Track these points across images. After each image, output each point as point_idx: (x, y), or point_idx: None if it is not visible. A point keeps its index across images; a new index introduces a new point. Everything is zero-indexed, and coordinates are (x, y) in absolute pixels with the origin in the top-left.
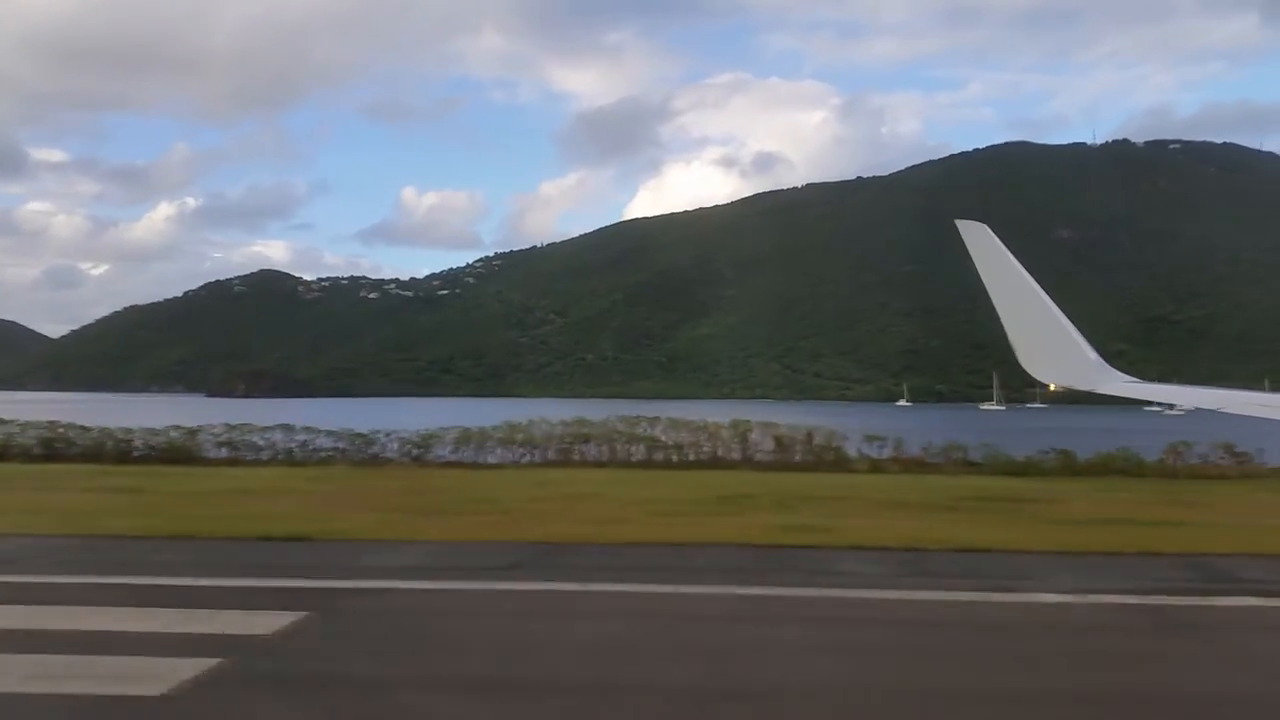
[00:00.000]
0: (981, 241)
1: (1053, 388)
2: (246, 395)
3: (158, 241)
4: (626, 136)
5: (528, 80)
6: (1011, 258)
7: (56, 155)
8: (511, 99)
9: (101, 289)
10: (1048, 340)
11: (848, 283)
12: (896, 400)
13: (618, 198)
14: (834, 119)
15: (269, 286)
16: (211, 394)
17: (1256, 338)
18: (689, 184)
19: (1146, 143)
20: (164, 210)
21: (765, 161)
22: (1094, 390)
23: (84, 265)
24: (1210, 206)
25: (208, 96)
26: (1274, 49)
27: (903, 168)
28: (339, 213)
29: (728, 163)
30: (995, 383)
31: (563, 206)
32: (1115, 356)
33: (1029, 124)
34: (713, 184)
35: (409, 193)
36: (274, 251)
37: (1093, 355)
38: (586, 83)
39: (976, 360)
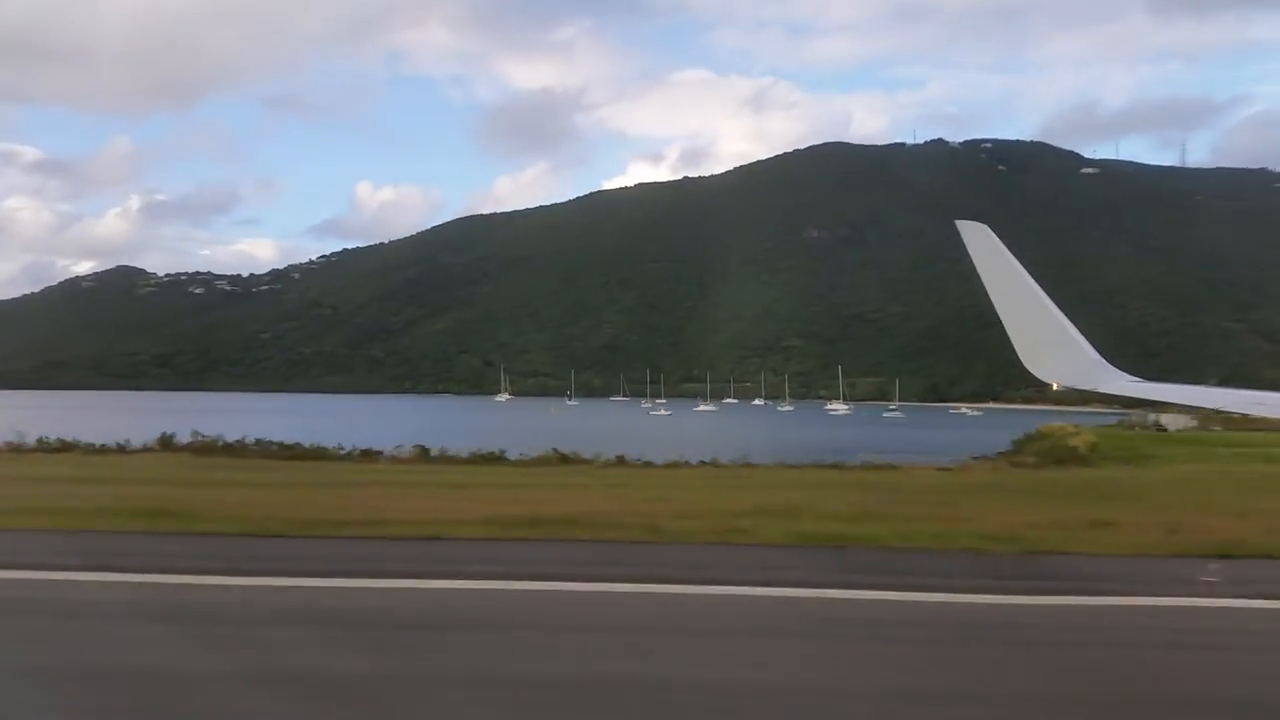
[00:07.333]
0: (981, 242)
1: (1055, 387)
2: None
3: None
4: (558, 129)
5: (481, 75)
6: (1012, 258)
7: None
8: (468, 96)
9: None
10: (1048, 340)
11: (594, 280)
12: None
13: (567, 190)
14: (747, 114)
15: (115, 283)
16: None
17: (936, 335)
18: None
19: (962, 143)
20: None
21: (690, 156)
22: (1095, 389)
23: None
24: (970, 206)
25: (129, 88)
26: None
27: (731, 167)
28: (288, 208)
29: (654, 158)
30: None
31: (515, 202)
32: (779, 352)
33: (949, 120)
34: (641, 177)
35: (363, 188)
36: (261, 250)
37: (1094, 355)
38: (536, 77)
39: (661, 356)
